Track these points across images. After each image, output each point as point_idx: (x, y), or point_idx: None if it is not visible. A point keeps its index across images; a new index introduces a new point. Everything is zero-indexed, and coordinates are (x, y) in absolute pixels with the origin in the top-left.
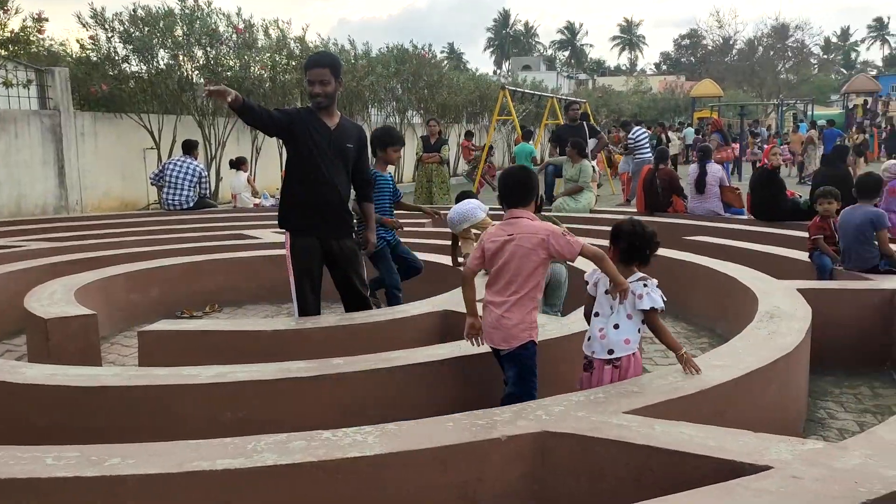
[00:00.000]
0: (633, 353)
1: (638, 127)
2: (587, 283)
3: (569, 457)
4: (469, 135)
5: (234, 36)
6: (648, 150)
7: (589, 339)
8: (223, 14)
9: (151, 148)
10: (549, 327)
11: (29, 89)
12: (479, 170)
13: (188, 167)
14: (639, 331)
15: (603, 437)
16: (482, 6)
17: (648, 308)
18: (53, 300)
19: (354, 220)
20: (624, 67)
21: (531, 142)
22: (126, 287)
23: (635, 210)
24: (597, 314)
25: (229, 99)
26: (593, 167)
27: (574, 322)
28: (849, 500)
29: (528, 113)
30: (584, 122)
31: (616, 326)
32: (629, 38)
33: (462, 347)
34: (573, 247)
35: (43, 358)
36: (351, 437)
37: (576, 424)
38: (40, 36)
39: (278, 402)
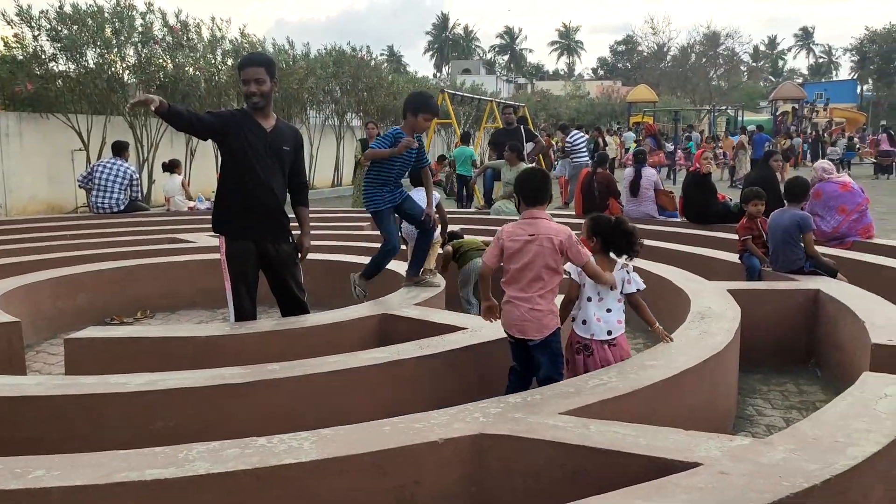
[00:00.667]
0: (623, 331)
1: (576, 131)
2: (568, 273)
3: (505, 458)
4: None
5: (169, 36)
6: (586, 153)
7: (584, 322)
8: (160, 13)
9: (80, 149)
10: (487, 330)
11: None
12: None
13: (118, 169)
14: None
15: (539, 438)
16: (422, 9)
17: (635, 291)
18: None
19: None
20: (562, 72)
21: (470, 145)
22: (52, 293)
23: (573, 213)
24: (589, 299)
25: (153, 106)
26: None
27: None
28: (773, 495)
29: (469, 116)
30: (522, 126)
31: (609, 310)
32: (567, 43)
33: (400, 351)
34: (582, 257)
35: None
36: (286, 443)
37: (512, 426)
38: None
39: (212, 409)
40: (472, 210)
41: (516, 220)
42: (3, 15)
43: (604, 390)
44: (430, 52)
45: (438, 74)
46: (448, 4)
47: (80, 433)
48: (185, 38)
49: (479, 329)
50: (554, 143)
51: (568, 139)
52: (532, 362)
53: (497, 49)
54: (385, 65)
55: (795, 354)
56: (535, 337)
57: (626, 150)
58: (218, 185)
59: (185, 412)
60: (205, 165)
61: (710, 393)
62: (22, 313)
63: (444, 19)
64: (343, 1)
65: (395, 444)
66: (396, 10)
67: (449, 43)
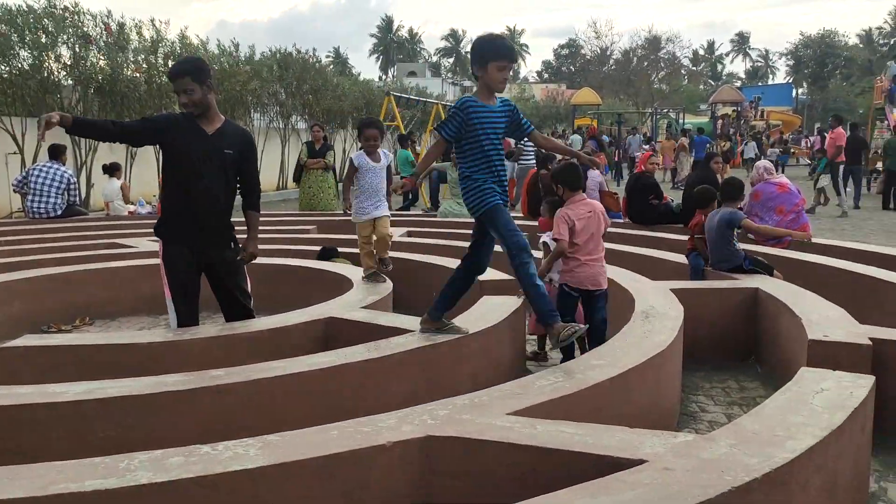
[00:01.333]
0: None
1: None
2: (545, 243)
3: (454, 460)
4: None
5: (104, 36)
6: (532, 156)
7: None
8: (90, 15)
9: (14, 153)
10: (432, 335)
11: None
12: None
13: (55, 173)
14: None
15: (487, 438)
16: (365, 11)
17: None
18: None
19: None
20: None
21: (407, 147)
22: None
23: (520, 214)
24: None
25: (55, 121)
26: None
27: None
28: (716, 489)
29: (415, 119)
30: None
31: None
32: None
33: (346, 355)
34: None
35: None
36: (231, 450)
37: (460, 427)
38: None
39: (154, 417)
40: (419, 212)
41: (568, 205)
42: None
43: (551, 390)
44: (376, 55)
45: (384, 77)
46: (392, 7)
47: (15, 445)
48: (121, 38)
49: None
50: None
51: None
52: (591, 308)
53: (442, 52)
54: (331, 67)
55: (736, 351)
56: (602, 287)
57: None
58: (161, 190)
59: (127, 421)
60: (146, 169)
61: (655, 391)
62: None
63: (388, 22)
64: (286, 3)
65: (342, 449)
66: (340, 12)
67: (394, 45)
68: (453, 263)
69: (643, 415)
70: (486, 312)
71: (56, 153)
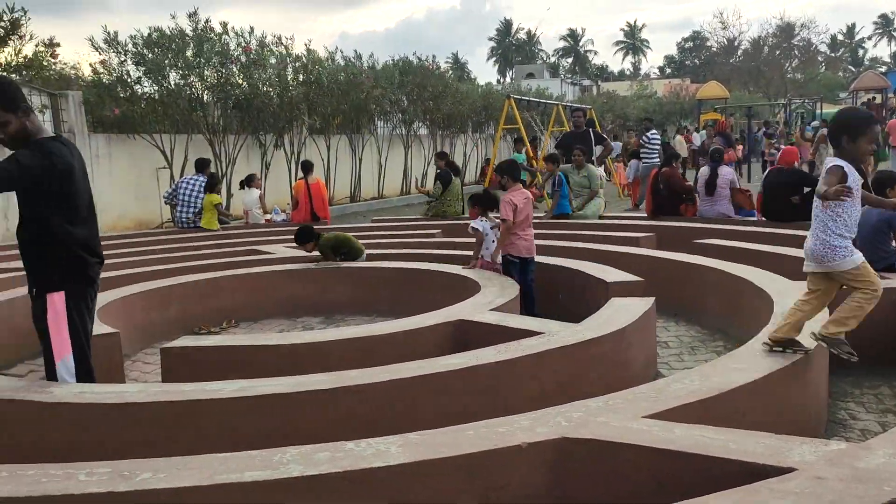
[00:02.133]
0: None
1: (654, 130)
2: (474, 228)
3: (590, 462)
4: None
5: (243, 56)
6: (657, 154)
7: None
8: (235, 33)
9: (164, 167)
10: (563, 334)
11: (44, 113)
12: (488, 179)
13: (201, 185)
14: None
15: (623, 441)
16: (480, 17)
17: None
18: None
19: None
20: (628, 72)
21: (521, 150)
22: (145, 305)
23: (644, 214)
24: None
25: None
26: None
27: (587, 329)
28: (873, 500)
29: (535, 121)
30: (590, 129)
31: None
32: (632, 42)
33: (478, 357)
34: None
35: None
36: (374, 447)
37: (596, 430)
38: (53, 61)
39: (298, 414)
40: (540, 214)
41: (511, 193)
42: (92, 42)
43: (687, 393)
44: (494, 59)
45: (502, 80)
46: (508, 11)
47: (178, 437)
48: (259, 55)
49: (555, 333)
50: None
51: (645, 136)
52: (525, 271)
53: (561, 52)
54: (449, 73)
55: (888, 355)
56: (531, 255)
57: (693, 152)
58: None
59: (275, 417)
60: (280, 179)
61: (800, 396)
62: (119, 325)
63: (507, 25)
64: (402, 13)
65: (479, 448)
66: (455, 18)
67: (512, 48)
68: (571, 265)
69: (787, 422)
70: (613, 314)
71: (202, 166)
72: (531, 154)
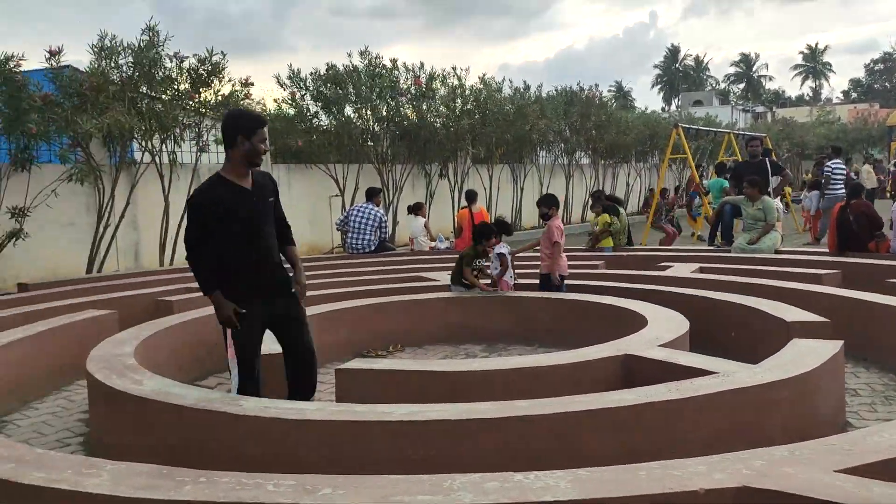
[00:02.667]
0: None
1: (837, 159)
2: (501, 254)
3: None
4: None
5: (413, 88)
6: (842, 185)
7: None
8: (405, 68)
9: (336, 195)
10: (740, 375)
11: None
12: (652, 210)
13: (370, 213)
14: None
15: (813, 496)
16: (643, 44)
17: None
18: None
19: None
20: (807, 97)
21: (725, 176)
22: (319, 327)
23: (826, 250)
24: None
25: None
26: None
27: (767, 371)
28: None
29: (703, 150)
30: (766, 158)
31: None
32: (812, 65)
33: (649, 394)
34: None
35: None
36: (543, 480)
37: (781, 481)
38: (248, 100)
39: (465, 441)
40: (711, 248)
41: (555, 220)
42: (278, 79)
43: (887, 447)
44: (659, 86)
45: (667, 108)
46: (673, 37)
47: (349, 456)
48: (428, 89)
49: (731, 374)
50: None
51: (828, 165)
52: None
53: (732, 78)
54: (612, 102)
55: None
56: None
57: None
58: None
59: (442, 443)
60: (444, 208)
61: None
62: None
63: (673, 52)
64: (562, 43)
65: (653, 491)
66: (617, 47)
67: (679, 75)
68: (746, 301)
69: None
70: (797, 357)
71: (372, 195)
72: (696, 180)
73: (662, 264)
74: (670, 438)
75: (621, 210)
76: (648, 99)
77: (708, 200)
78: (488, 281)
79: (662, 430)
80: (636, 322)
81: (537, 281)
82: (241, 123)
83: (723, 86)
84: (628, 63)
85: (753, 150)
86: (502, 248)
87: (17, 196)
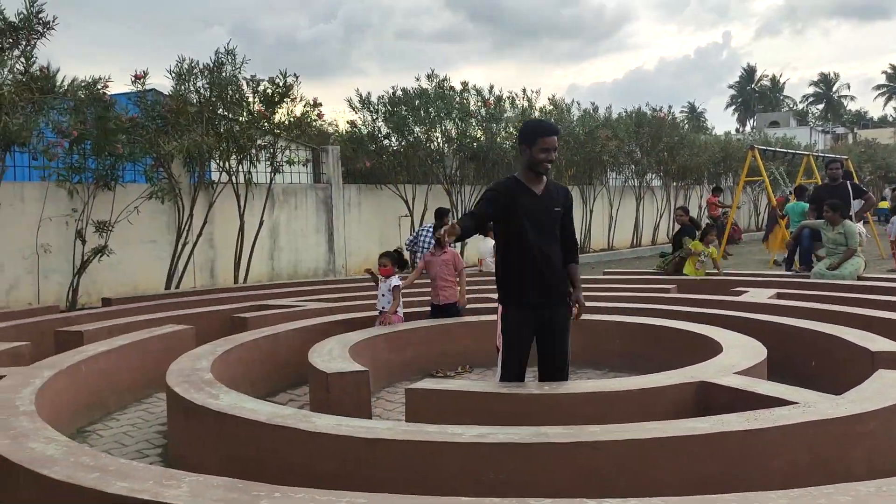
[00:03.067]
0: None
1: None
2: (397, 286)
3: None
4: (717, 190)
5: (483, 110)
6: None
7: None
8: (475, 90)
9: (405, 215)
10: (822, 406)
11: (307, 166)
12: (727, 231)
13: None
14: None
15: None
16: (716, 65)
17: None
18: (332, 356)
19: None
20: (890, 118)
21: (804, 199)
22: (387, 347)
23: None
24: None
25: (448, 236)
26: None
27: (851, 402)
28: None
29: (778, 171)
30: (848, 182)
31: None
32: None
33: (724, 423)
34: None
35: (323, 408)
36: None
37: None
38: (319, 120)
39: (535, 465)
40: (789, 273)
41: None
42: (350, 102)
43: None
44: (733, 107)
45: (741, 129)
46: (747, 57)
47: (419, 476)
48: (497, 110)
49: (812, 404)
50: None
51: None
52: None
53: (811, 98)
54: (685, 123)
55: None
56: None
57: None
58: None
59: (512, 466)
60: None
61: None
62: (366, 363)
63: (749, 72)
64: (631, 63)
65: None
66: (687, 67)
67: (755, 95)
68: (828, 329)
69: None
70: (883, 388)
71: (441, 215)
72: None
73: (737, 289)
74: (746, 470)
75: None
76: (721, 120)
77: (785, 224)
78: None
79: (738, 461)
80: (711, 348)
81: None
82: (524, 132)
83: (800, 106)
84: (700, 83)
85: (833, 172)
86: (397, 280)
87: (103, 213)
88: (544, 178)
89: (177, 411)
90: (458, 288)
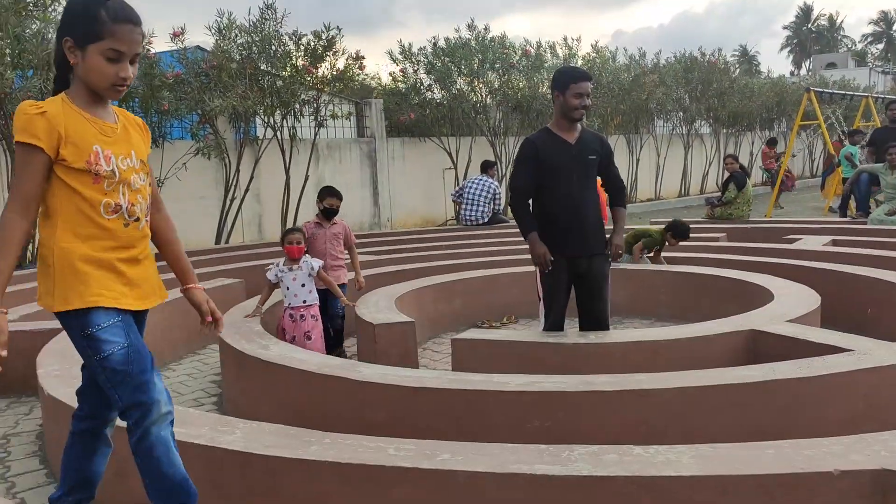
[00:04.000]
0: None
1: None
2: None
3: None
4: (772, 142)
5: (524, 59)
6: None
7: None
8: (513, 44)
9: (449, 168)
10: (878, 353)
11: (351, 120)
12: (780, 177)
13: (485, 185)
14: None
15: None
16: (767, 6)
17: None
18: (379, 308)
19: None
20: None
21: (855, 142)
22: (434, 297)
23: None
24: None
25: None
26: None
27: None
28: None
29: (835, 115)
30: None
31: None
32: None
33: (776, 370)
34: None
35: (371, 358)
36: (663, 455)
37: None
38: (360, 73)
39: (582, 414)
40: (846, 219)
41: None
42: (391, 54)
43: None
44: (788, 49)
45: (796, 72)
46: None
47: (466, 424)
48: (538, 60)
49: (867, 351)
50: None
51: None
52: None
53: (870, 38)
54: (736, 67)
55: None
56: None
57: None
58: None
59: (558, 414)
60: None
61: None
62: (412, 314)
63: (806, 12)
64: (678, 7)
65: (782, 471)
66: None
67: (812, 36)
68: (885, 276)
69: None
70: None
71: (486, 167)
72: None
73: (790, 237)
74: (799, 418)
75: (748, 181)
76: (775, 63)
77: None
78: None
79: (790, 409)
80: (762, 297)
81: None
82: (556, 79)
83: (859, 46)
84: (752, 26)
85: (894, 113)
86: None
87: (153, 170)
88: (578, 126)
89: (229, 362)
90: (353, 268)
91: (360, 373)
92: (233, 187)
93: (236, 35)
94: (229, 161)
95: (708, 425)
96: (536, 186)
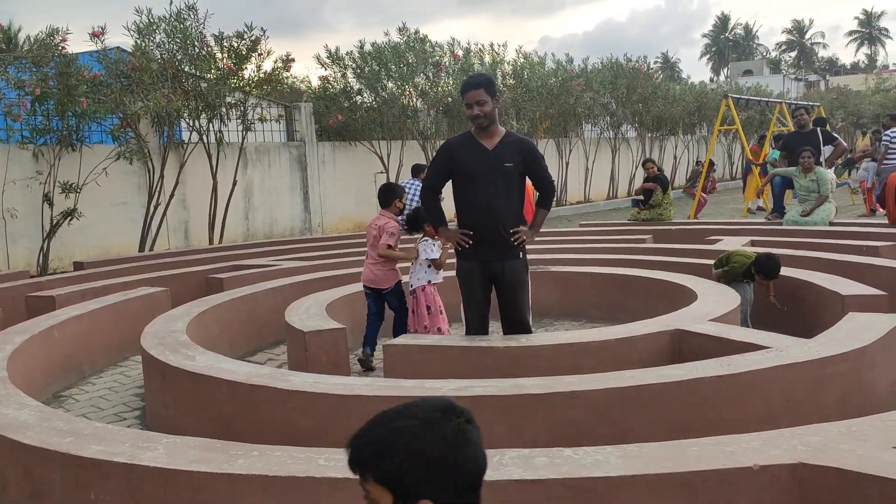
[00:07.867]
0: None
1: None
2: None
3: (829, 492)
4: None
5: (453, 62)
6: None
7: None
8: (439, 46)
9: (381, 172)
10: (794, 350)
11: (280, 124)
12: (700, 184)
13: (416, 189)
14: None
15: (871, 473)
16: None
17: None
18: (309, 314)
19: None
20: (862, 65)
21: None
22: (366, 303)
23: (886, 222)
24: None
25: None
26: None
27: (821, 345)
28: None
29: (752, 121)
30: (819, 128)
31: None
32: (868, 31)
33: (699, 369)
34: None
35: (301, 366)
36: (592, 456)
37: (838, 458)
38: (287, 74)
39: (513, 417)
40: (762, 220)
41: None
42: (318, 59)
43: None
44: (707, 56)
45: (715, 78)
46: (717, 6)
47: None
48: (466, 63)
49: (784, 348)
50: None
51: (886, 134)
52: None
53: (784, 46)
54: (659, 73)
55: None
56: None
57: None
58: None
59: (490, 418)
60: None
61: None
62: (344, 321)
63: (723, 20)
64: (601, 15)
65: (705, 467)
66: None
67: (729, 44)
68: (802, 276)
69: None
70: (852, 331)
71: (417, 171)
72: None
73: (712, 238)
74: (721, 415)
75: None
76: (695, 70)
77: (758, 172)
78: None
79: (713, 406)
80: (686, 297)
81: None
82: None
83: (773, 54)
84: (670, 34)
85: (800, 119)
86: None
87: (69, 176)
88: (501, 130)
89: (153, 374)
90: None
91: (290, 381)
92: (157, 193)
93: (155, 31)
94: (153, 166)
95: (635, 424)
96: (455, 191)
